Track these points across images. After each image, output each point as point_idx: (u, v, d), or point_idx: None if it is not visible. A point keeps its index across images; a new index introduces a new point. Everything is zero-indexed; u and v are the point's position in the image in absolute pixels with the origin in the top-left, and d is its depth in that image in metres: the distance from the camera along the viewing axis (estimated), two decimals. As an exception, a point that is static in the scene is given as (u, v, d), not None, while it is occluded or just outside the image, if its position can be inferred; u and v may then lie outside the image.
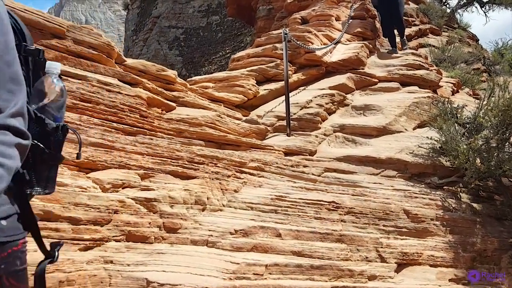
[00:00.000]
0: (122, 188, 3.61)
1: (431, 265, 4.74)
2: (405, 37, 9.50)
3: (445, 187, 5.66)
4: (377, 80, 7.73)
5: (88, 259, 2.98)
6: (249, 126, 5.69)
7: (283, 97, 6.11)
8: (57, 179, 3.17)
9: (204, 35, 23.15)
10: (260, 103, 6.55)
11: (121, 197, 3.46)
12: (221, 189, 4.32)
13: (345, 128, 6.28)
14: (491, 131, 5.75)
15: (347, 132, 6.25)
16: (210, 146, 4.89)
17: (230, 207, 4.24)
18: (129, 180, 3.68)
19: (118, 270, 3.05)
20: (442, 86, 8.63)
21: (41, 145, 1.46)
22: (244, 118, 6.01)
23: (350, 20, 9.03)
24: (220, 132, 5.07)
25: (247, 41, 20.24)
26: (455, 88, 9.34)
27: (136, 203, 3.53)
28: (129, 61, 4.97)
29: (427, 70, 8.19)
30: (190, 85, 5.99)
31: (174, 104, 5.14)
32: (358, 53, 7.88)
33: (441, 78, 8.61)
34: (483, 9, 16.39)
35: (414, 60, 8.41)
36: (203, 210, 4.01)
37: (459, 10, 16.63)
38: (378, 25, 9.78)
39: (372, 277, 4.23)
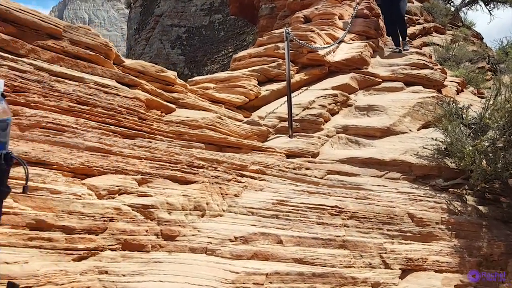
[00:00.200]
0: (119, 195, 3.51)
1: (436, 271, 4.63)
2: (406, 39, 9.30)
3: (450, 189, 5.56)
4: (381, 80, 7.61)
5: (82, 269, 2.88)
6: (251, 128, 5.60)
7: (285, 98, 6.00)
8: (51, 187, 3.13)
9: (207, 34, 23.06)
10: (261, 104, 6.45)
11: (117, 204, 3.36)
12: (221, 194, 4.22)
13: (348, 129, 6.17)
14: (497, 132, 5.63)
15: (351, 133, 6.14)
16: (211, 149, 4.80)
17: (231, 212, 4.14)
18: (126, 186, 3.58)
19: (113, 281, 2.95)
20: (446, 86, 8.51)
21: None
22: (245, 119, 5.91)
23: (354, 19, 8.91)
24: (220, 134, 4.98)
25: (249, 39, 20.15)
26: (460, 88, 9.22)
27: (132, 210, 3.43)
28: (128, 62, 4.88)
29: (431, 70, 8.07)
30: (191, 85, 5.91)
31: (173, 106, 5.05)
32: (361, 53, 7.77)
33: (446, 78, 8.49)
34: (487, 7, 16.26)
35: (419, 59, 8.28)
36: (202, 216, 3.92)
37: (463, 8, 16.54)
38: (382, 23, 9.65)
39: (375, 285, 4.12)
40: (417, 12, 13.29)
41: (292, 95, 6.07)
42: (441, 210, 5.11)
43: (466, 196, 5.56)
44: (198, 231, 3.70)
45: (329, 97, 6.53)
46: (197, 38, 23.22)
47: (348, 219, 4.55)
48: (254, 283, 3.40)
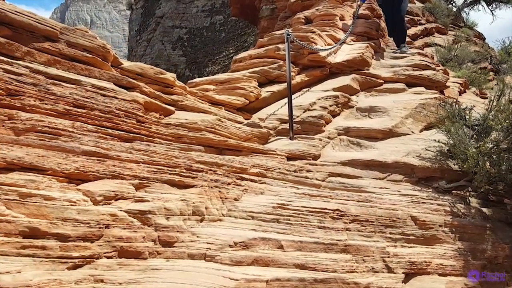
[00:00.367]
0: (115, 200, 3.43)
1: (440, 274, 4.54)
2: (405, 44, 9.19)
3: (453, 191, 5.49)
4: (383, 81, 7.54)
5: (77, 278, 2.80)
6: (251, 130, 5.53)
7: (286, 99, 5.93)
8: (45, 193, 3.06)
9: (208, 35, 23.04)
10: (262, 106, 6.38)
11: (113, 210, 3.28)
12: (221, 198, 4.15)
13: (350, 131, 6.10)
14: (501, 133, 5.56)
15: (352, 135, 6.07)
16: (210, 152, 4.73)
17: (230, 216, 4.06)
18: (123, 191, 3.50)
19: (109, 290, 2.88)
20: (449, 87, 8.43)
21: None
22: (245, 121, 5.84)
23: (355, 20, 8.85)
24: (220, 137, 4.91)
25: (251, 40, 20.12)
26: (462, 88, 9.14)
27: (129, 216, 3.35)
28: (126, 64, 4.82)
29: (433, 70, 7.99)
30: (190, 87, 5.85)
31: (172, 108, 4.98)
32: (363, 54, 7.69)
33: (448, 78, 8.41)
34: (489, 7, 16.20)
35: (420, 60, 8.21)
36: (201, 221, 3.84)
37: (465, 9, 16.47)
38: (383, 24, 9.59)
39: (378, 290, 4.05)
40: (418, 13, 13.24)
41: (293, 96, 6.00)
42: (444, 213, 5.04)
43: (469, 198, 5.48)
44: (197, 236, 3.62)
45: (330, 98, 6.46)
46: (198, 39, 23.21)
47: (350, 223, 4.48)
48: (254, 290, 3.33)
